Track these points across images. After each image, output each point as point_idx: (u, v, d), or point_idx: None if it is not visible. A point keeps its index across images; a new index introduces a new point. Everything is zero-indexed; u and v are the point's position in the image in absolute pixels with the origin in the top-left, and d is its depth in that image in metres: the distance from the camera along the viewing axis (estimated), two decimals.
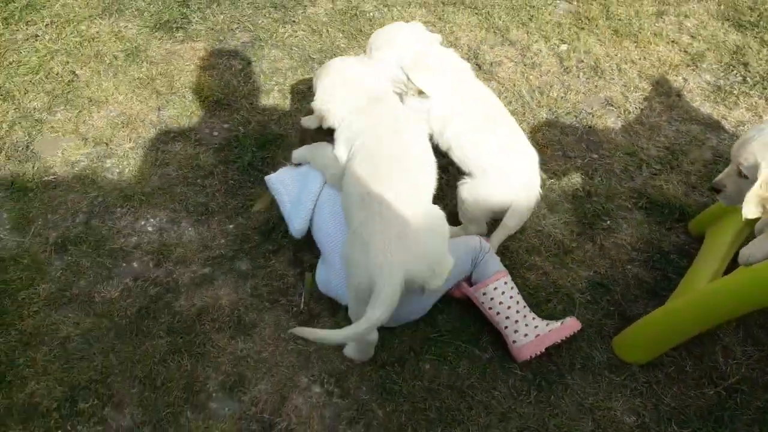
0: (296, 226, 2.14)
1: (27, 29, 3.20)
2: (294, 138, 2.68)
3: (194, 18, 3.35)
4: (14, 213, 2.41)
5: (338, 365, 2.02)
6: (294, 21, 3.37)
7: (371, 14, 3.43)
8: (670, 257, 2.35)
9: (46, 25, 3.23)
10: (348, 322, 2.06)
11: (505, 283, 2.04)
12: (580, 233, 2.44)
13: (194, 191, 2.54)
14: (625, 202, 2.55)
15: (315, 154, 2.19)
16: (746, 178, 1.73)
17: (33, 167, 2.58)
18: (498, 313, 2.01)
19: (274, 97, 2.96)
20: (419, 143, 2.03)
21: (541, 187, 2.24)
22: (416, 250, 1.73)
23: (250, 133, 2.78)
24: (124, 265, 2.28)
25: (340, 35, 3.28)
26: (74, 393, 1.91)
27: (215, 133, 2.80)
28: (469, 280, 2.09)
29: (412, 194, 1.86)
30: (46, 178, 2.55)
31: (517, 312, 2.02)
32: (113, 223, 2.41)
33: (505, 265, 2.14)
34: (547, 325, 2.02)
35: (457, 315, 2.14)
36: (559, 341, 2.00)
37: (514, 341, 2.00)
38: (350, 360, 2.02)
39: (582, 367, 2.04)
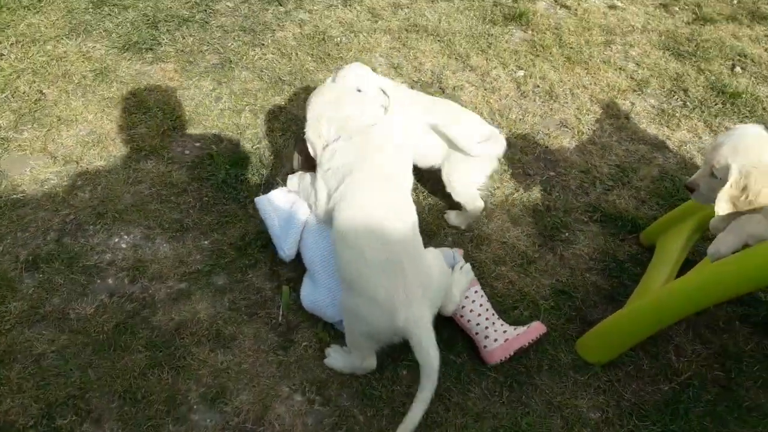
0: (286, 251, 2.20)
1: None
2: (288, 162, 2.70)
3: (163, 39, 3.39)
4: None
5: (319, 374, 2.07)
6: (263, 44, 3.45)
7: (338, 39, 3.55)
8: (624, 266, 2.52)
9: (11, 44, 3.21)
10: (327, 334, 2.13)
11: (476, 291, 2.16)
12: (541, 245, 2.58)
13: (168, 208, 2.56)
14: (582, 216, 2.72)
15: (301, 185, 2.26)
16: (717, 178, 1.90)
17: (0, 185, 2.54)
18: (469, 321, 2.12)
19: (246, 116, 3.02)
20: (405, 175, 2.08)
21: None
22: (435, 294, 1.90)
23: (223, 152, 2.83)
24: (99, 281, 2.27)
25: (309, 58, 3.39)
26: (51, 410, 1.88)
27: (187, 152, 2.83)
28: None
29: (412, 236, 1.92)
30: (14, 195, 2.52)
31: (487, 319, 2.12)
32: (86, 240, 2.40)
33: (474, 275, 2.25)
34: (515, 329, 2.13)
35: None
36: (526, 345, 2.12)
37: (484, 346, 2.10)
38: (331, 368, 2.06)
39: (549, 368, 2.15)
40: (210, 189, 2.66)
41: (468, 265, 2.20)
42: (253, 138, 2.91)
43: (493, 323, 2.12)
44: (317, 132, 2.07)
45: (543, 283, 2.43)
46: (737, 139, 1.86)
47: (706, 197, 1.96)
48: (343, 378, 2.06)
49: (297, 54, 3.41)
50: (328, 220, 2.06)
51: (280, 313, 2.23)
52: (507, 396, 2.06)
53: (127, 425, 1.88)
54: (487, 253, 2.51)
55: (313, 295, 2.14)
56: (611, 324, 2.16)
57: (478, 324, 2.11)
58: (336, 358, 2.07)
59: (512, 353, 2.09)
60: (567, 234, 2.64)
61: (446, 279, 2.01)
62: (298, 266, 2.29)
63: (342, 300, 1.95)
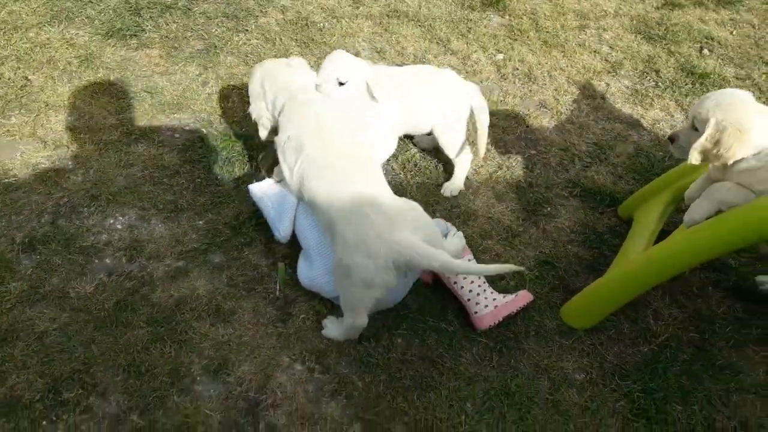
0: (282, 233, 2.28)
1: None
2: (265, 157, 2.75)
3: (147, 26, 3.38)
4: None
5: (317, 344, 2.13)
6: (247, 30, 3.47)
7: (321, 24, 3.58)
8: (604, 237, 2.63)
9: None
10: (324, 306, 2.19)
11: (469, 260, 2.24)
12: (525, 219, 2.68)
13: (161, 190, 2.58)
14: (562, 191, 2.82)
15: (278, 171, 2.33)
16: (697, 131, 2.00)
17: None
18: (462, 287, 2.20)
19: (233, 100, 3.05)
20: (357, 131, 2.21)
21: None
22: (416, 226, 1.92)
23: (213, 134, 2.85)
24: (97, 261, 2.29)
25: (293, 43, 3.42)
26: (57, 384, 1.91)
27: (177, 135, 2.85)
28: None
29: (375, 193, 1.99)
30: (6, 180, 2.52)
31: (479, 286, 2.21)
32: (81, 222, 2.42)
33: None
34: (504, 297, 2.22)
35: (423, 295, 2.30)
36: (514, 311, 2.21)
37: (475, 312, 2.19)
38: (329, 339, 2.13)
39: (536, 334, 2.25)
40: (202, 170, 2.68)
41: (460, 233, 2.28)
42: (242, 121, 2.93)
43: (484, 290, 2.21)
44: (259, 109, 2.27)
45: (527, 254, 2.53)
46: (722, 97, 1.95)
47: (684, 150, 2.05)
48: (341, 347, 2.12)
49: (281, 39, 3.43)
50: (299, 195, 2.18)
51: (278, 288, 2.29)
52: (497, 360, 2.15)
53: (132, 397, 1.91)
54: (474, 228, 2.59)
55: (310, 273, 2.20)
56: (593, 291, 2.26)
57: (470, 291, 2.20)
58: (331, 327, 2.14)
59: (501, 319, 2.18)
60: (549, 209, 2.73)
61: (424, 219, 2.02)
62: (293, 243, 2.33)
63: (333, 264, 2.02)
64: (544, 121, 3.16)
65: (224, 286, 2.27)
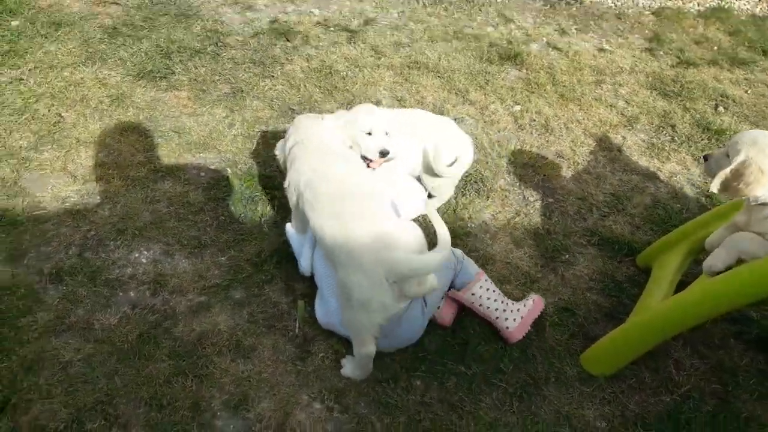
0: (302, 265, 2.42)
1: (10, 73, 3.31)
2: None
3: (177, 69, 3.56)
4: (6, 245, 2.46)
5: (336, 383, 2.16)
6: (273, 76, 3.64)
7: (344, 73, 3.76)
8: (622, 286, 2.68)
9: (30, 69, 3.35)
10: (342, 346, 2.23)
11: (486, 280, 2.37)
12: (543, 265, 2.74)
13: (186, 226, 2.67)
14: (580, 239, 2.89)
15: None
16: (728, 157, 2.08)
17: (22, 202, 2.65)
18: (488, 308, 2.32)
19: (258, 142, 3.18)
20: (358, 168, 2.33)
21: None
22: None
23: (238, 174, 2.96)
24: (121, 294, 2.36)
25: (317, 90, 3.58)
26: (80, 415, 1.95)
27: (202, 174, 2.96)
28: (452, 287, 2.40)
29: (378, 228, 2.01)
30: (36, 212, 2.62)
31: (502, 302, 2.35)
32: (107, 255, 2.50)
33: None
34: (524, 305, 2.38)
35: (441, 337, 2.35)
36: (537, 316, 2.39)
37: (506, 327, 2.33)
38: (348, 378, 2.16)
39: (556, 380, 2.27)
40: (226, 209, 2.78)
41: (467, 258, 2.41)
42: (266, 161, 3.05)
43: (507, 305, 2.36)
44: (282, 148, 2.44)
45: (547, 301, 2.57)
46: (761, 137, 2.04)
47: (713, 170, 2.14)
48: (360, 387, 2.15)
49: (305, 86, 3.60)
50: (302, 229, 2.37)
51: (297, 325, 2.34)
52: (517, 406, 2.17)
53: (153, 430, 1.94)
54: (492, 273, 2.65)
55: (325, 311, 2.27)
56: (614, 338, 2.30)
57: (496, 309, 2.33)
58: (348, 366, 2.19)
59: (530, 327, 2.35)
60: (567, 256, 2.80)
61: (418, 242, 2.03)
62: (312, 281, 2.40)
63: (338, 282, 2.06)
64: (561, 171, 3.27)
65: (245, 322, 2.32)
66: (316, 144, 2.34)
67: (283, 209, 2.77)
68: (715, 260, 2.09)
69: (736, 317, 2.54)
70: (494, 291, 2.37)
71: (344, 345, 2.28)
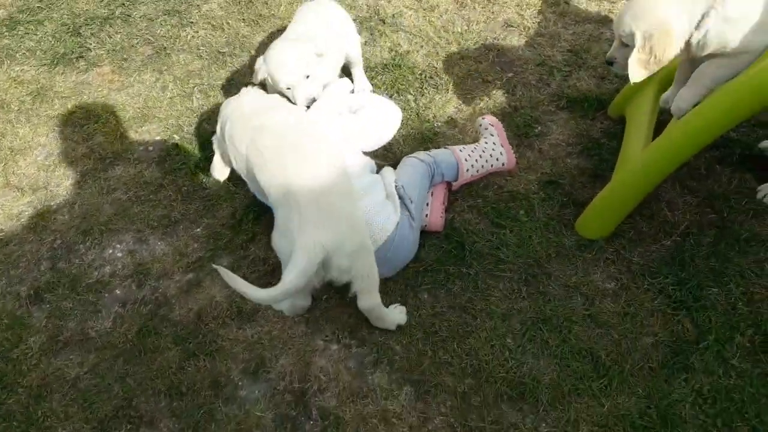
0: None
1: None
2: None
3: (90, 44, 3.20)
4: None
5: (347, 320, 2.07)
6: (192, 22, 3.29)
7: None
8: (600, 142, 2.54)
9: None
10: None
11: (462, 150, 2.35)
12: (518, 144, 2.58)
13: (150, 207, 2.48)
14: (549, 107, 2.71)
15: None
16: (628, 46, 1.93)
17: None
18: (483, 167, 2.38)
19: (197, 98, 2.91)
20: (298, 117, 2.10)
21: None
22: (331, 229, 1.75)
23: (186, 138, 2.72)
24: (107, 295, 2.22)
25: (242, 24, 3.24)
26: (104, 426, 1.87)
27: (150, 148, 2.72)
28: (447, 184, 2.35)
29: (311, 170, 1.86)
30: None
31: (484, 152, 2.38)
32: (80, 260, 2.33)
33: (463, 193, 2.35)
34: (491, 135, 2.43)
35: (436, 246, 2.24)
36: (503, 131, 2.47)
37: (502, 164, 2.41)
38: (357, 313, 2.07)
39: (557, 255, 2.19)
40: (185, 178, 2.57)
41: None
42: (211, 117, 2.80)
43: (488, 150, 2.38)
44: (218, 140, 2.26)
45: (529, 179, 2.45)
46: (636, 6, 1.87)
47: (624, 66, 1.97)
48: None
49: (228, 23, 3.25)
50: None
51: None
52: (526, 290, 2.10)
53: (180, 419, 1.87)
54: None
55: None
56: (603, 200, 2.20)
57: (486, 161, 2.38)
58: (284, 302, 2.05)
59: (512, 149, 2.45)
60: (539, 128, 2.64)
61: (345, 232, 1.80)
62: None
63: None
64: (514, 41, 3.02)
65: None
66: (245, 109, 2.11)
67: None
68: (681, 101, 1.95)
69: (717, 143, 2.42)
70: (474, 151, 2.36)
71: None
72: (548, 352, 1.94)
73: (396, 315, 2.01)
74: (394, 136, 2.50)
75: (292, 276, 1.67)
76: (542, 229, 2.27)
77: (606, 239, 2.21)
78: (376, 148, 2.34)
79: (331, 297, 2.15)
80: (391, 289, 2.13)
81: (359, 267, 1.79)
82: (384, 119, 2.30)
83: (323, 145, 1.96)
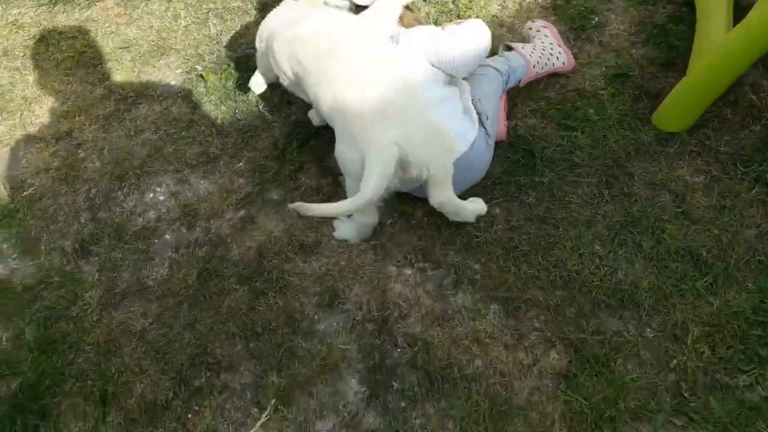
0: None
1: None
2: None
3: None
4: (13, 239, 2.12)
5: (416, 243, 1.92)
6: None
7: None
8: (666, 28, 2.29)
9: None
10: (406, 204, 1.95)
11: (531, 51, 2.14)
12: (576, 38, 2.33)
13: (185, 144, 2.28)
14: None
15: None
16: None
17: (4, 189, 2.25)
18: (545, 65, 2.16)
19: (213, 24, 2.64)
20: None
21: None
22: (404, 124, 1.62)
23: (210, 68, 2.48)
24: (157, 241, 2.06)
25: None
26: (182, 375, 1.75)
27: (173, 83, 2.49)
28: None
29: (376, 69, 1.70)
30: (24, 192, 2.23)
31: (543, 51, 2.16)
32: (121, 208, 2.15)
33: (523, 96, 2.16)
34: (546, 36, 2.21)
35: (501, 156, 2.04)
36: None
37: (563, 63, 2.19)
38: (427, 234, 1.92)
39: (636, 152, 2.00)
40: (216, 110, 2.36)
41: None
42: (231, 43, 2.55)
43: (550, 53, 2.17)
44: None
45: (594, 74, 2.22)
46: None
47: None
48: (443, 237, 1.91)
49: None
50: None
51: None
52: (608, 193, 1.93)
53: (261, 360, 1.76)
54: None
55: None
56: (681, 91, 1.97)
57: (548, 60, 2.16)
58: (342, 227, 1.94)
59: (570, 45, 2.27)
60: (596, 18, 2.37)
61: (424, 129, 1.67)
62: None
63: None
64: None
65: (296, 219, 2.03)
66: (282, 21, 1.90)
67: (272, 84, 2.34)
68: None
69: None
70: (535, 49, 2.15)
71: (409, 204, 1.99)
72: (642, 255, 1.79)
73: (474, 205, 1.85)
74: None
75: (373, 182, 1.53)
76: (616, 126, 2.07)
77: (688, 132, 2.01)
78: (454, 67, 1.81)
79: (396, 222, 1.99)
80: None
81: (432, 157, 1.63)
82: (467, 31, 1.85)
83: (371, 48, 1.74)
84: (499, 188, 1.99)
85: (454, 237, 1.90)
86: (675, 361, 1.58)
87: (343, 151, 1.71)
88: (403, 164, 1.60)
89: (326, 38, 1.77)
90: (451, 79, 1.83)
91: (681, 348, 1.60)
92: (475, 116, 1.83)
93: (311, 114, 2.24)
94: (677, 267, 1.74)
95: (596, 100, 2.14)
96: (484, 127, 1.84)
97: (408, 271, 1.87)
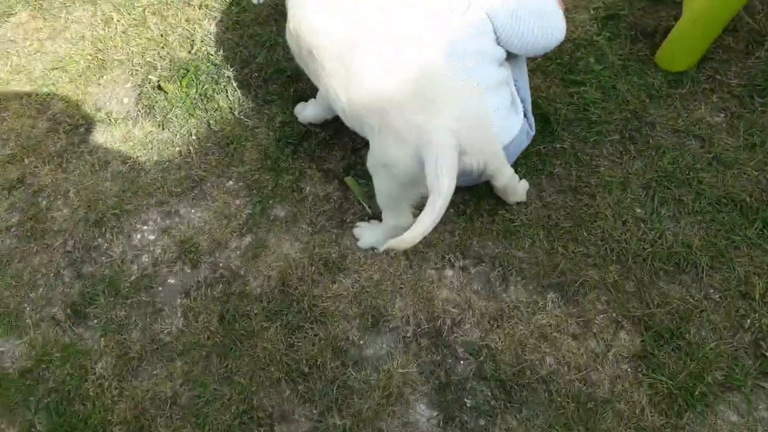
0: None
1: None
2: None
3: None
4: None
5: (450, 240, 1.69)
6: None
7: None
8: None
9: None
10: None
11: None
12: None
13: (162, 170, 1.91)
14: None
15: None
16: None
17: None
18: None
19: (153, 23, 2.20)
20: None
21: None
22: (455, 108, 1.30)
23: (165, 75, 2.07)
24: (161, 288, 1.73)
25: None
26: None
27: (126, 100, 2.07)
28: None
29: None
30: None
31: None
32: (108, 257, 1.79)
33: None
34: None
35: None
36: None
37: None
38: (456, 229, 1.67)
39: (650, 99, 1.81)
40: (186, 124, 1.97)
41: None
42: (180, 43, 2.12)
43: None
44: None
45: (583, 19, 1.98)
46: None
47: None
48: (476, 231, 1.68)
49: None
50: None
51: (364, 205, 1.77)
52: (634, 149, 1.74)
53: (314, 402, 1.52)
54: None
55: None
56: (684, 30, 1.79)
57: None
58: (367, 235, 1.68)
59: None
60: None
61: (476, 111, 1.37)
62: (345, 152, 1.78)
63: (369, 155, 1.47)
64: None
65: (311, 235, 1.74)
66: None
67: (243, 83, 1.98)
68: None
69: None
70: None
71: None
72: (685, 210, 1.62)
73: (523, 183, 1.66)
74: None
75: (446, 176, 1.22)
76: (622, 73, 1.86)
77: (696, 69, 1.83)
78: (523, 48, 1.51)
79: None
80: (483, 192, 1.71)
81: (487, 145, 1.37)
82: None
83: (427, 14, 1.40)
84: (522, 162, 1.76)
85: (489, 226, 1.68)
86: (748, 321, 1.46)
87: (387, 150, 1.36)
88: (461, 153, 1.29)
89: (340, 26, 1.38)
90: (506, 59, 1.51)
91: (750, 305, 1.47)
92: (521, 106, 1.56)
93: (298, 110, 1.90)
94: (724, 218, 1.59)
95: (594, 47, 1.91)
96: (526, 116, 1.57)
97: (449, 273, 1.64)
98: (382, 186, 1.48)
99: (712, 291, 1.52)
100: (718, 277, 1.53)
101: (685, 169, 1.68)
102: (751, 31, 1.86)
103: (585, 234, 1.63)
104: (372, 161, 1.45)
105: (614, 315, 1.52)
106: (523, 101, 1.57)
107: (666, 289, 1.53)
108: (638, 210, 1.65)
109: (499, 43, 1.45)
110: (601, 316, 1.53)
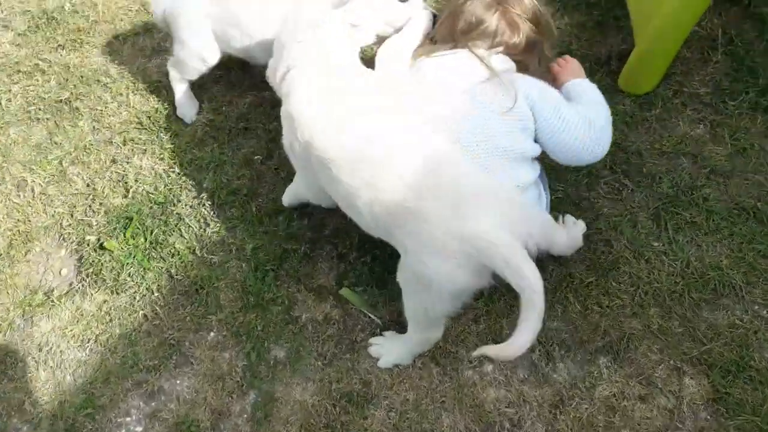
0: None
1: None
2: None
3: None
4: None
5: (474, 329, 1.72)
6: None
7: None
8: None
9: None
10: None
11: None
12: None
13: (130, 345, 1.85)
14: None
15: None
16: None
17: None
18: None
19: (73, 173, 2.19)
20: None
21: None
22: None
23: (104, 231, 2.05)
24: None
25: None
26: None
27: (65, 271, 2.03)
28: None
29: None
30: None
31: None
32: None
33: None
34: None
35: None
36: None
37: None
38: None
39: (627, 125, 1.98)
40: (142, 281, 1.95)
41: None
42: (113, 186, 2.14)
43: None
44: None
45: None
46: None
47: None
48: (499, 308, 1.74)
49: None
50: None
51: (369, 316, 1.80)
52: (629, 180, 1.88)
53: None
54: None
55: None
56: (643, 52, 1.96)
57: None
58: (388, 351, 1.70)
59: None
60: None
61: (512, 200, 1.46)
62: (331, 263, 1.85)
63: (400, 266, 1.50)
64: None
65: (323, 370, 1.73)
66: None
67: (197, 216, 2.01)
68: None
69: None
70: None
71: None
72: (702, 231, 1.76)
73: (577, 227, 1.75)
74: None
75: (529, 272, 1.24)
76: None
77: (660, 85, 2.03)
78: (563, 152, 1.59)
79: None
80: None
81: (535, 221, 1.45)
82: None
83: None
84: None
85: (513, 302, 1.74)
86: None
87: (431, 266, 1.35)
88: None
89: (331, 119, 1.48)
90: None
91: None
92: (545, 202, 1.65)
93: (286, 197, 1.94)
94: (741, 229, 1.74)
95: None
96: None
97: (489, 368, 1.67)
98: (417, 303, 1.48)
99: (757, 307, 1.64)
100: (758, 291, 1.65)
101: (687, 189, 1.83)
102: (702, 39, 2.09)
103: (613, 284, 1.72)
104: (404, 275, 1.47)
105: (672, 362, 1.59)
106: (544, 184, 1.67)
107: (712, 319, 1.64)
108: (655, 243, 1.77)
109: (536, 141, 1.54)
110: (660, 367, 1.59)
